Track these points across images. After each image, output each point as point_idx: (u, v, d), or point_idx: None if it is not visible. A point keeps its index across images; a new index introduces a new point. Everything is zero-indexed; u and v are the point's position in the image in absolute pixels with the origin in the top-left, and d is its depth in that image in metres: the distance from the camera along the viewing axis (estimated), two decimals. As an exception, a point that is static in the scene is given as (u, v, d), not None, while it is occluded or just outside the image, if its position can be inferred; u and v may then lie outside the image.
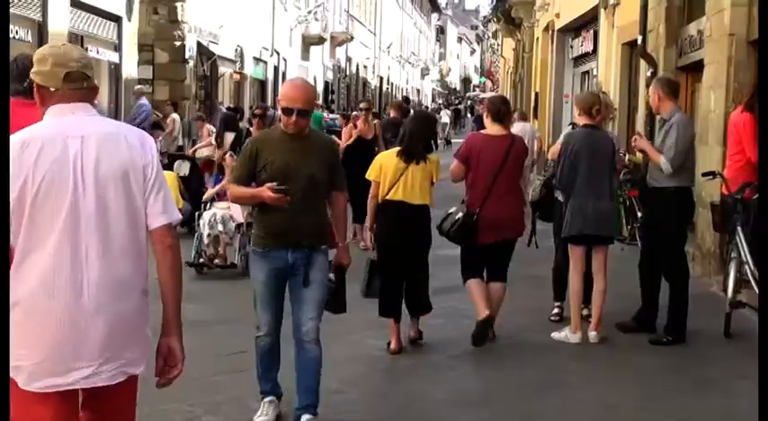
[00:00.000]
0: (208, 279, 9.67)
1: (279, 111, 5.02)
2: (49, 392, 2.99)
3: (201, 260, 9.88)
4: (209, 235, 9.92)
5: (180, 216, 3.35)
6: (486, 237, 6.89)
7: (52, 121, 3.11)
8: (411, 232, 6.74)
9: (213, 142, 14.59)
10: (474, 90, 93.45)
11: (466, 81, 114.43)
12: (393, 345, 6.82)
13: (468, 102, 61.22)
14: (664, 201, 7.10)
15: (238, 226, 9.96)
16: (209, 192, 10.48)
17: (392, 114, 14.23)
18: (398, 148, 6.83)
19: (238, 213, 9.89)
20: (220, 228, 9.90)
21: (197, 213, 10.59)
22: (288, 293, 5.12)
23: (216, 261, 9.89)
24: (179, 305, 3.19)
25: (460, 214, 6.91)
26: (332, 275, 5.21)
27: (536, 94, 23.99)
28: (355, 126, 12.25)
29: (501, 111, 7.03)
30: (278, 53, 32.20)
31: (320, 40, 37.30)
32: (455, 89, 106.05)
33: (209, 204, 10.30)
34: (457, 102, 67.45)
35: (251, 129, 11.37)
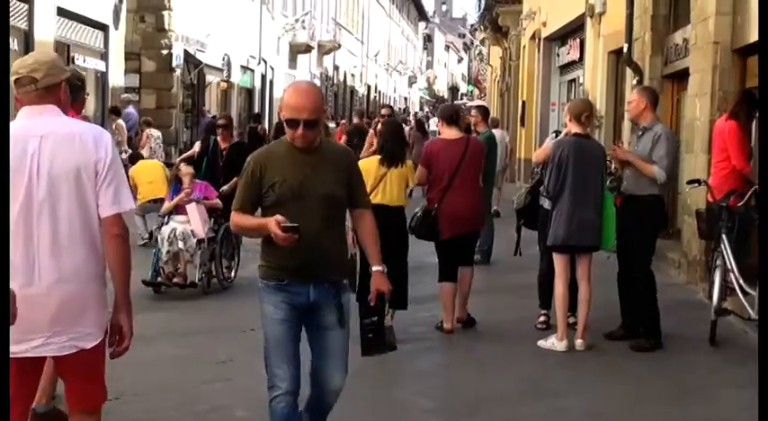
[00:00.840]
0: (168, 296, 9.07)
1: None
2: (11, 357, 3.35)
3: (159, 279, 9.11)
4: (168, 252, 9.11)
5: (132, 205, 3.65)
6: (447, 232, 7.61)
7: (18, 123, 3.53)
8: (391, 233, 6.87)
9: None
10: (461, 98, 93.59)
11: (453, 89, 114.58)
12: None
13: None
14: (637, 209, 7.13)
15: (199, 242, 9.21)
16: (167, 205, 9.52)
17: (356, 121, 14.41)
18: (379, 154, 7.35)
19: (199, 228, 9.23)
20: (180, 244, 9.10)
21: (154, 228, 9.92)
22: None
23: (175, 280, 9.10)
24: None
25: (418, 210, 7.75)
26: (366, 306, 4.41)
27: (523, 102, 24.04)
28: (377, 134, 11.76)
29: (452, 116, 7.85)
30: (265, 61, 32.18)
31: (307, 49, 37.29)
32: (443, 97, 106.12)
33: (167, 218, 9.47)
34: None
35: (218, 139, 10.47)
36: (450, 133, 7.74)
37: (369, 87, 59.19)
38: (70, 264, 3.49)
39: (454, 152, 7.63)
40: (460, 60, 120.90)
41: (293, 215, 4.02)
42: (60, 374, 3.73)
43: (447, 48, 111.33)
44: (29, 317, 3.40)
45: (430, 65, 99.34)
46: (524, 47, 24.93)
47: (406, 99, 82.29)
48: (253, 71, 30.92)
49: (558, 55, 20.80)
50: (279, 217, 4.00)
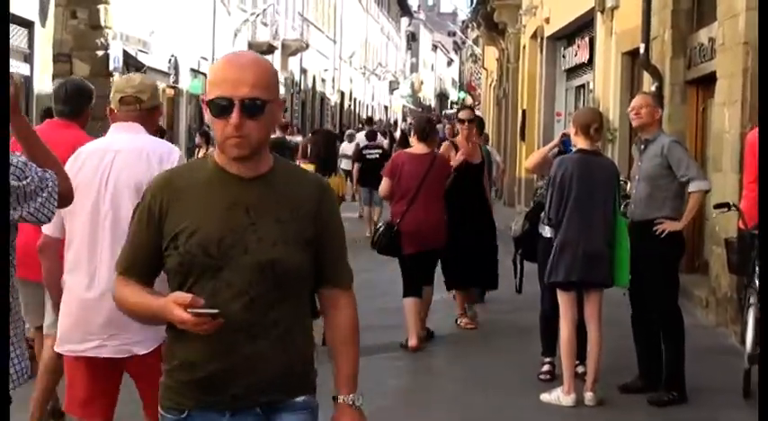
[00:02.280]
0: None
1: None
2: (79, 356, 4.42)
3: None
4: None
5: None
6: (409, 248, 8.74)
7: (104, 138, 4.64)
8: None
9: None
10: (452, 107, 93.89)
11: (442, 96, 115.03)
12: None
13: (446, 121, 61.41)
14: (651, 236, 7.13)
15: None
16: None
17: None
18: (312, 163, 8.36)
19: None
20: None
21: None
22: None
23: None
24: None
25: (381, 224, 9.10)
26: None
27: (523, 111, 24.12)
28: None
29: (426, 130, 9.04)
30: (220, 64, 32.23)
31: (270, 49, 37.33)
32: (429, 106, 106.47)
33: None
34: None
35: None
36: (419, 148, 8.99)
37: (342, 94, 59.34)
38: None
39: (420, 167, 8.79)
40: (450, 63, 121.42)
41: (208, 292, 2.90)
42: (132, 377, 4.58)
43: (434, 48, 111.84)
44: (88, 319, 4.39)
45: (414, 68, 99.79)
46: (524, 47, 25.07)
47: (386, 108, 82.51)
48: (205, 75, 30.87)
49: (564, 56, 20.92)
50: (182, 296, 2.84)
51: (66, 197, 3.67)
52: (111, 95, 4.67)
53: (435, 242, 8.87)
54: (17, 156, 3.43)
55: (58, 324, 4.55)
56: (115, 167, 4.44)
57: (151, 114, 4.70)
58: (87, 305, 4.39)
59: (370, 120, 30.65)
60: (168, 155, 4.48)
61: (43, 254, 4.64)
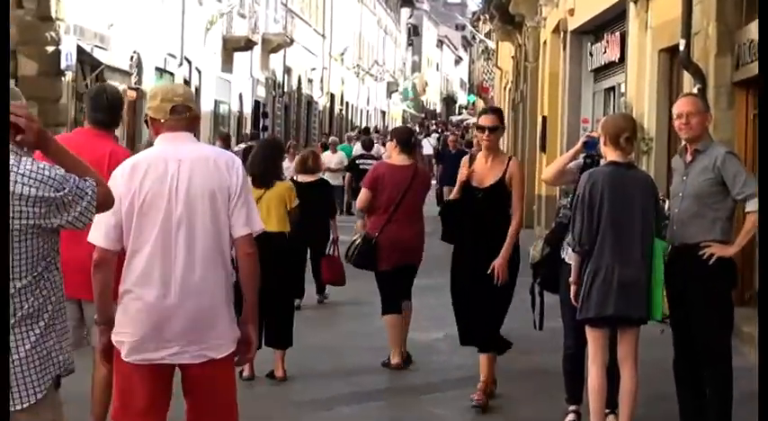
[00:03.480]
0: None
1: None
2: (143, 365, 5.13)
3: None
4: None
5: (261, 226, 5.43)
6: (386, 263, 9.66)
7: (159, 147, 5.29)
8: (270, 260, 7.51)
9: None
10: (460, 112, 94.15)
11: (449, 100, 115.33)
12: (246, 373, 9.15)
13: (453, 129, 61.33)
14: (697, 264, 7.10)
15: None
16: None
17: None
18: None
19: None
20: None
21: None
22: None
23: None
24: (255, 301, 5.33)
25: (356, 237, 9.77)
26: None
27: (543, 118, 24.10)
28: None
29: (408, 141, 10.01)
30: (189, 62, 32.26)
31: (248, 45, 37.43)
32: (434, 111, 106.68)
33: None
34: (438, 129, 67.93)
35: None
36: (400, 159, 9.88)
37: (332, 97, 59.45)
38: (203, 279, 5.15)
39: (401, 179, 9.72)
40: (458, 61, 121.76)
41: None
42: (188, 388, 5.27)
43: (440, 44, 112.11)
44: (166, 326, 5.12)
45: (417, 67, 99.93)
46: (545, 43, 25.08)
47: (383, 113, 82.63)
48: (172, 75, 30.94)
49: (591, 54, 20.93)
50: None
51: (103, 204, 4.30)
52: (155, 104, 5.33)
53: (413, 257, 9.89)
54: (56, 169, 4.11)
55: (115, 336, 5.21)
56: (183, 176, 5.16)
57: (195, 123, 5.47)
58: (164, 314, 5.12)
59: (366, 131, 30.79)
60: (232, 161, 5.32)
61: (99, 268, 5.22)
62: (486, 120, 8.91)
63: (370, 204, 9.80)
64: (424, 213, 10.09)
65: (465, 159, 9.03)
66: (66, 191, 4.09)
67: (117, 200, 4.86)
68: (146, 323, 5.13)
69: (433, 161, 35.79)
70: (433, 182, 25.28)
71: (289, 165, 21.91)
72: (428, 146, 41.67)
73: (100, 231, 5.13)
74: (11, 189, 3.97)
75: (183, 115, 5.32)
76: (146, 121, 5.48)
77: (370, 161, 19.26)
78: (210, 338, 5.18)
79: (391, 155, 10.18)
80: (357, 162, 19.49)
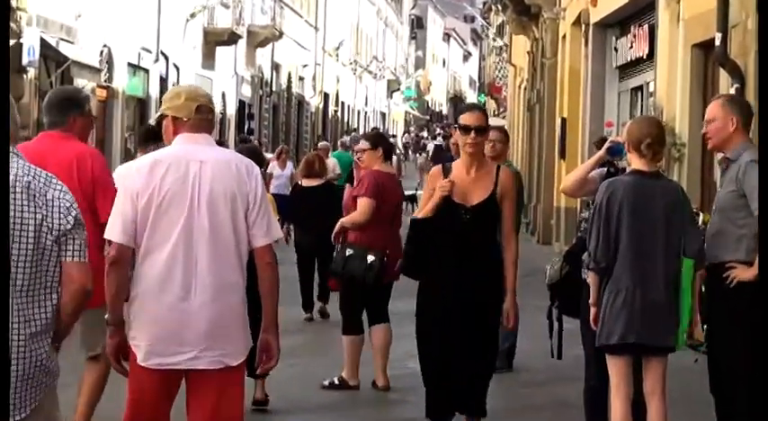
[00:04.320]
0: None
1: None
2: (157, 369, 5.54)
3: None
4: None
5: (280, 234, 6.04)
6: (386, 278, 9.92)
7: (180, 147, 5.71)
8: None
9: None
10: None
11: (457, 100, 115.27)
12: (257, 394, 9.24)
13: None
14: (723, 285, 7.09)
15: None
16: None
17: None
18: None
19: None
20: None
21: None
22: None
23: None
24: (275, 309, 5.77)
25: (372, 258, 9.82)
26: None
27: (562, 120, 24.13)
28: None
29: (389, 148, 10.59)
30: (166, 57, 32.26)
31: (231, 38, 37.46)
32: (440, 113, 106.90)
33: None
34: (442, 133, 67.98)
35: None
36: (386, 167, 10.36)
37: (326, 97, 59.49)
38: (222, 284, 5.59)
39: (395, 188, 10.41)
40: (467, 57, 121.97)
41: None
42: (196, 392, 5.66)
43: (446, 37, 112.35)
44: (183, 330, 5.52)
45: (420, 63, 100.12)
46: (564, 37, 25.12)
47: (383, 115, 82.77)
48: (147, 72, 30.99)
49: (617, 49, 20.96)
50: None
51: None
52: (179, 103, 5.77)
53: (395, 271, 9.83)
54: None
55: (131, 338, 5.59)
56: (205, 177, 5.60)
57: (212, 123, 5.97)
58: (183, 317, 5.52)
59: (379, 135, 30.70)
60: (252, 167, 5.78)
61: (116, 266, 5.55)
62: (471, 119, 7.97)
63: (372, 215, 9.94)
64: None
65: (436, 170, 8.15)
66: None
67: (135, 194, 5.50)
68: (164, 326, 5.52)
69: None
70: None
71: (281, 173, 22.11)
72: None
73: (117, 227, 5.53)
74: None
75: (208, 116, 5.83)
76: (158, 122, 5.90)
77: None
78: (227, 344, 5.61)
79: (372, 163, 10.28)
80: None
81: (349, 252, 9.98)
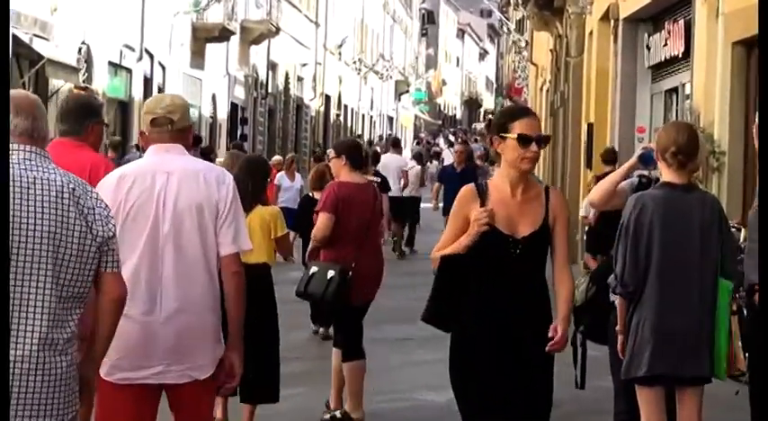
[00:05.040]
0: None
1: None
2: (126, 385, 5.88)
3: None
4: None
5: (249, 245, 6.25)
6: (356, 299, 10.03)
7: (147, 159, 6.16)
8: (254, 303, 7.22)
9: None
10: (485, 119, 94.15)
11: (472, 103, 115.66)
12: (218, 414, 9.13)
13: (476, 138, 61.47)
14: (753, 305, 7.10)
15: None
16: None
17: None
18: None
19: None
20: None
21: None
22: None
23: None
24: (240, 324, 6.08)
25: (332, 272, 9.91)
26: None
27: (589, 126, 24.15)
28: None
29: (360, 156, 10.43)
30: (151, 56, 32.35)
31: (223, 35, 37.51)
32: (453, 117, 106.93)
33: None
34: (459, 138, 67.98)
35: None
36: (355, 177, 10.32)
37: (327, 99, 59.57)
38: (189, 296, 5.94)
39: (365, 200, 10.27)
40: (484, 55, 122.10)
41: None
42: (175, 408, 6.11)
43: (461, 34, 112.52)
44: (149, 344, 5.88)
45: (432, 62, 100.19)
46: (591, 33, 25.15)
47: (391, 119, 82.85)
48: (129, 72, 31.06)
49: (649, 47, 20.98)
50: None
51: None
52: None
53: (373, 293, 10.44)
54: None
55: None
56: (171, 189, 5.98)
57: (183, 135, 6.23)
58: (149, 330, 5.88)
59: (396, 142, 30.74)
60: (223, 176, 6.15)
61: None
62: (532, 126, 6.70)
63: (332, 232, 10.06)
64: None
65: (468, 191, 6.78)
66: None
67: None
68: (129, 340, 5.78)
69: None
70: (428, 204, 25.03)
71: (290, 184, 22.20)
72: (450, 157, 41.76)
73: None
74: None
75: (164, 128, 6.14)
76: (141, 133, 6.38)
77: (373, 179, 19.07)
78: (196, 358, 5.96)
79: (339, 173, 10.46)
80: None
81: (313, 270, 10.13)
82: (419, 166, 27.76)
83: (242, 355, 6.15)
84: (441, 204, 22.35)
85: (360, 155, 10.50)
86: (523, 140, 6.54)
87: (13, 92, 5.07)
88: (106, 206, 5.07)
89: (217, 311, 6.09)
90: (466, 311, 6.64)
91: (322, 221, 10.04)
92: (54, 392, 4.78)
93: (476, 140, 55.67)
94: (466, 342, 6.71)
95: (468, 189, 6.76)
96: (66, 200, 4.86)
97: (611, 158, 18.18)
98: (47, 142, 5.15)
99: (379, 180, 19.02)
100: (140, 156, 23.98)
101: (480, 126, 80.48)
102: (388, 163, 24.96)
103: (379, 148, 34.00)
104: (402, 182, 24.86)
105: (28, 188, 4.78)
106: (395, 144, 29.95)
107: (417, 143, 61.51)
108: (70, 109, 7.77)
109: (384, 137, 63.63)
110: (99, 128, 7.90)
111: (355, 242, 10.10)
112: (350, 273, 9.92)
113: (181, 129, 6.21)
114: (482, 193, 6.64)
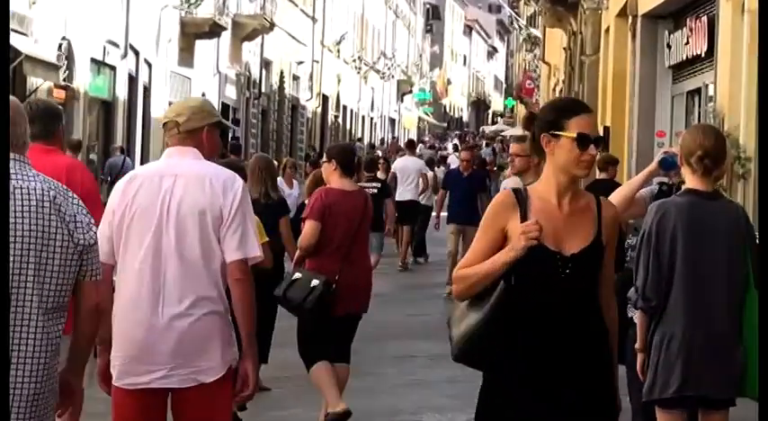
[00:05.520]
0: None
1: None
2: (134, 390, 6.17)
3: None
4: None
5: (258, 252, 6.36)
6: (341, 309, 10.16)
7: (160, 162, 6.59)
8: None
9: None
10: (495, 121, 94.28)
11: (480, 105, 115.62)
12: None
13: (483, 143, 61.35)
14: None
15: None
16: None
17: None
18: None
19: None
20: None
21: None
22: None
23: None
24: (250, 332, 6.29)
25: (316, 282, 10.08)
26: None
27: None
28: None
29: (352, 162, 10.65)
30: (136, 53, 32.35)
31: (213, 30, 37.52)
32: (459, 119, 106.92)
33: None
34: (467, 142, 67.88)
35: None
36: (345, 184, 10.45)
37: (325, 100, 59.57)
38: (192, 300, 6.17)
39: (353, 208, 10.40)
40: (492, 53, 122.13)
41: None
42: (178, 413, 6.33)
43: (468, 30, 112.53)
44: (151, 348, 6.14)
45: (437, 61, 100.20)
46: (608, 30, 25.17)
47: (393, 122, 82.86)
48: (113, 69, 31.05)
49: (670, 46, 20.99)
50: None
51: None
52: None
53: (364, 303, 10.59)
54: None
55: (111, 357, 6.25)
56: (176, 193, 6.26)
57: (192, 136, 6.50)
58: (152, 334, 6.14)
59: (411, 144, 30.74)
60: (232, 181, 6.35)
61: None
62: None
63: (318, 240, 10.24)
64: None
65: (505, 198, 5.94)
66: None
67: (111, 212, 6.30)
68: (135, 344, 6.17)
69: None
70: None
71: (289, 192, 22.14)
72: (456, 164, 41.80)
73: None
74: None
75: (173, 131, 6.50)
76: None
77: (373, 184, 18.98)
78: (201, 362, 6.19)
79: (329, 178, 10.60)
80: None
81: (297, 275, 10.35)
82: (431, 172, 27.66)
83: (256, 364, 6.37)
84: (444, 213, 21.56)
85: (352, 160, 10.71)
86: (582, 141, 5.78)
87: None
88: (87, 212, 5.21)
89: (223, 315, 6.29)
90: (501, 345, 5.76)
91: (308, 229, 10.23)
92: (37, 401, 4.97)
93: (487, 145, 55.40)
94: (500, 385, 5.84)
95: (505, 195, 5.96)
96: (47, 208, 4.97)
97: (603, 166, 15.97)
98: (26, 148, 5.24)
99: (380, 186, 19.13)
100: (124, 160, 24.41)
101: (489, 129, 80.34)
102: (407, 165, 24.96)
103: (380, 152, 33.94)
104: (421, 186, 24.65)
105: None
106: (410, 145, 29.99)
107: (430, 147, 60.77)
108: (40, 113, 8.04)
109: (386, 140, 63.55)
110: (63, 131, 8.37)
111: (340, 251, 10.27)
112: (333, 285, 10.08)
113: (189, 131, 6.48)
114: (522, 201, 5.83)
